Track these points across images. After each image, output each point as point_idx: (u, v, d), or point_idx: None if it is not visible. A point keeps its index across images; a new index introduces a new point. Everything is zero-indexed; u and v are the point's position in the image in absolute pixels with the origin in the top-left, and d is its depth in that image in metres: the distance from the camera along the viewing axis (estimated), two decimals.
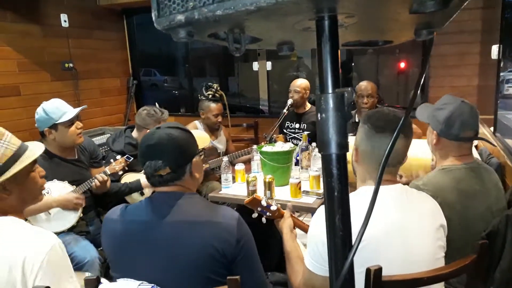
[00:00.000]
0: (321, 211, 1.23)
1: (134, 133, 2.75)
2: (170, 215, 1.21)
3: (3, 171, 1.17)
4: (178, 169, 1.25)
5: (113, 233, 1.26)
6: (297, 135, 3.50)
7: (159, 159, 1.22)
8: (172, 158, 1.23)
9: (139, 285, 1.07)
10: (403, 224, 1.17)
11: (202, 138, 1.74)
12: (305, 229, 1.58)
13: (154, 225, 1.21)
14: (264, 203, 1.60)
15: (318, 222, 1.21)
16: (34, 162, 1.29)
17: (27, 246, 1.12)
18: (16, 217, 1.23)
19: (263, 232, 1.51)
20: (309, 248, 1.22)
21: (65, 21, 3.96)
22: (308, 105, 3.54)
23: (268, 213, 1.63)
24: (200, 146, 1.37)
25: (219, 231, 1.18)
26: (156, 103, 4.22)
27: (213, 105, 3.21)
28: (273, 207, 1.62)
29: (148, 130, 2.58)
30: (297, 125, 3.52)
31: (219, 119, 3.23)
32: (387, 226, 1.14)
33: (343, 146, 0.56)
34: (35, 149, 1.30)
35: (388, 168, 1.25)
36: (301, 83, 3.42)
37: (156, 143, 1.23)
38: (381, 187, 1.20)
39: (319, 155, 2.66)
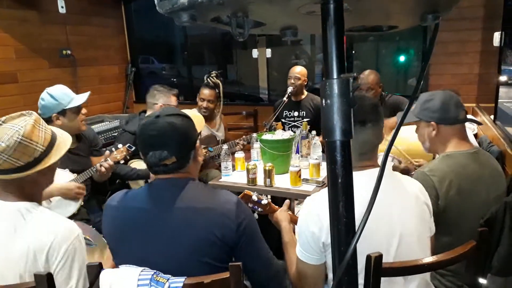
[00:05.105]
0: (308, 202, 1.25)
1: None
2: (170, 202, 1.21)
3: (46, 154, 1.21)
4: (182, 158, 1.25)
5: (113, 220, 1.26)
6: (297, 123, 3.49)
7: (163, 149, 1.20)
8: (177, 148, 1.22)
9: (141, 271, 1.07)
10: (387, 207, 1.18)
11: (197, 118, 1.68)
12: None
13: (154, 212, 1.21)
14: (255, 198, 1.60)
15: (306, 213, 1.22)
16: None
17: (53, 232, 1.14)
18: (37, 203, 1.24)
19: (261, 219, 1.52)
20: (299, 239, 1.24)
21: (62, 7, 3.89)
22: (305, 92, 3.55)
23: (259, 209, 1.63)
24: (198, 129, 1.35)
25: (219, 217, 1.18)
26: None
27: (203, 90, 3.23)
28: (264, 201, 1.62)
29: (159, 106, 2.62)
30: (295, 113, 3.52)
31: (205, 104, 3.21)
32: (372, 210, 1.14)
33: (347, 133, 0.56)
34: (64, 135, 1.34)
35: (364, 156, 1.25)
36: (300, 69, 3.44)
37: (159, 134, 1.21)
38: (361, 172, 1.22)
39: (319, 143, 2.68)
